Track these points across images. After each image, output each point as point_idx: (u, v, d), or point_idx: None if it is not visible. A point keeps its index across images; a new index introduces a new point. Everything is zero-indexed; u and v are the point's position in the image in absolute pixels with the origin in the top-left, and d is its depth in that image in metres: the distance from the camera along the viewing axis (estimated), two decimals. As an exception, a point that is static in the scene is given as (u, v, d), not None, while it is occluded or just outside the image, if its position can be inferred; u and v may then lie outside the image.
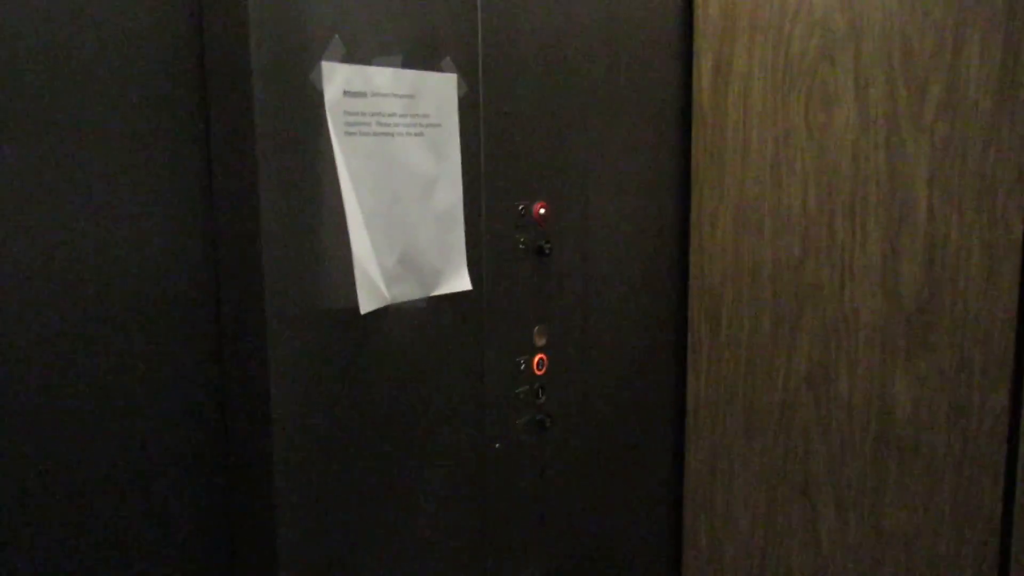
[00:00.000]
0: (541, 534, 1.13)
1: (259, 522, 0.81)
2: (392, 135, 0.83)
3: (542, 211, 1.06)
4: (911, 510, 1.21)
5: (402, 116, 0.84)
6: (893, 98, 1.15)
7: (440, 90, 0.88)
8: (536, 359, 1.08)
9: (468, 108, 0.93)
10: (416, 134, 0.86)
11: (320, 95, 0.76)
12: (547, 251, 1.07)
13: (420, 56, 0.86)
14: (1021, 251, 1.09)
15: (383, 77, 0.81)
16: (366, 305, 0.82)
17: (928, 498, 1.19)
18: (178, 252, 0.77)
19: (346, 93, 0.78)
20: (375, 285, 0.82)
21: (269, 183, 0.75)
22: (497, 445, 1.04)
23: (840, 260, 1.22)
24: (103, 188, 0.72)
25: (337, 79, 0.77)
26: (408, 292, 0.88)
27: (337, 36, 0.78)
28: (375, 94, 0.80)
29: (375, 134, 0.81)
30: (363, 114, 0.80)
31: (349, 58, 0.79)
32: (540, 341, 1.09)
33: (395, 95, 0.82)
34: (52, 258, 0.69)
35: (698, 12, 1.30)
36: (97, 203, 0.72)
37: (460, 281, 0.94)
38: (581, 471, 1.20)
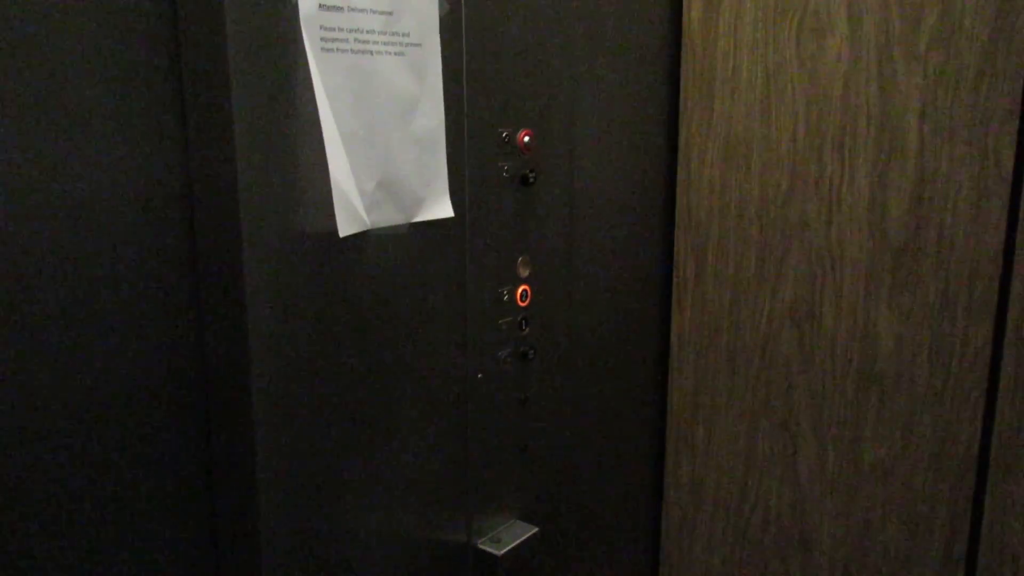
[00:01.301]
0: (522, 465, 1.13)
1: (237, 446, 0.80)
2: (371, 53, 0.80)
3: (526, 139, 1.03)
4: (890, 444, 1.22)
5: (381, 34, 0.81)
6: (887, 27, 1.12)
7: (421, 8, 0.85)
8: (520, 290, 1.07)
9: (450, 29, 0.90)
10: (396, 53, 0.83)
11: (294, 8, 0.73)
12: (531, 180, 1.05)
13: (400, -29, 0.83)
14: (1011, 185, 1.08)
15: (361, -9, 0.78)
16: (345, 228, 0.80)
17: (907, 432, 1.20)
18: (151, 172, 0.75)
19: (322, 7, 0.75)
20: (354, 208, 0.80)
21: (243, 101, 0.72)
22: (479, 375, 1.03)
23: (827, 195, 1.20)
24: (69, 106, 0.69)
25: (312, -9, 0.74)
26: (388, 217, 0.86)
27: (312, -54, 0.75)
28: (352, 9, 0.77)
29: (353, 51, 0.78)
30: (340, 30, 0.77)
31: (325, -30, 0.76)
32: (524, 272, 1.08)
33: (373, 11, 0.79)
34: (18, 176, 0.67)
35: (690, -64, 1.26)
36: (64, 121, 0.69)
37: (442, 208, 0.92)
38: (564, 403, 1.20)
